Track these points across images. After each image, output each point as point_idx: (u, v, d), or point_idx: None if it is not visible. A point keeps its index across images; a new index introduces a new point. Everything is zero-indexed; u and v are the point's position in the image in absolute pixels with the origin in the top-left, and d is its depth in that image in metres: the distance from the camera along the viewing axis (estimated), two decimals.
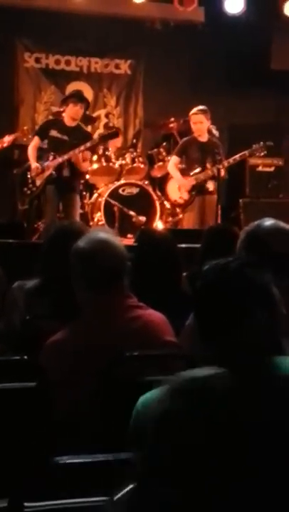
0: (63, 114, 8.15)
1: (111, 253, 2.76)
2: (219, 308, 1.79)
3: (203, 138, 8.20)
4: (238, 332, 1.77)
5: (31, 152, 7.99)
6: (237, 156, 8.18)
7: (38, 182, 7.94)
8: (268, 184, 9.49)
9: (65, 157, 7.77)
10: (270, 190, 9.53)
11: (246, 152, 8.24)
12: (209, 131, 8.29)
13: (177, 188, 8.33)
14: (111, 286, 2.74)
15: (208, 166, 8.06)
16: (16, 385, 2.47)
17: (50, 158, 7.89)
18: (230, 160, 8.15)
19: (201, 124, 8.15)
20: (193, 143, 8.25)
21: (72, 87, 10.14)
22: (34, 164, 7.92)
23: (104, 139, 8.38)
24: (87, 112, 9.72)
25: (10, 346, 3.20)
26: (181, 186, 8.24)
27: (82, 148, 7.80)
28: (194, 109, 8.21)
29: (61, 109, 8.34)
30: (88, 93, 10.24)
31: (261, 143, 8.24)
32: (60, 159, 7.79)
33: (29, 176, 8.07)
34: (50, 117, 8.66)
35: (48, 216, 7.93)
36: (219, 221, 7.94)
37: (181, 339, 2.91)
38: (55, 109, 9.78)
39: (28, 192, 8.10)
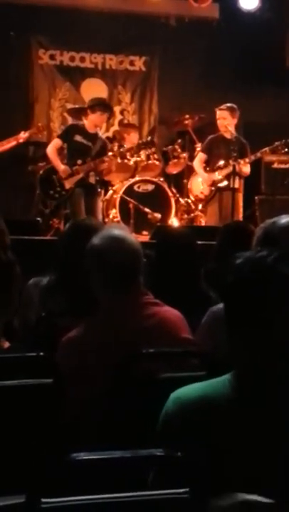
0: (85, 120, 8.17)
1: (126, 250, 2.75)
2: (251, 304, 1.75)
3: (229, 135, 8.20)
4: (267, 329, 1.74)
5: (54, 154, 8.04)
6: (258, 153, 8.22)
7: (68, 185, 7.97)
8: (284, 181, 9.45)
9: (100, 165, 7.99)
10: (286, 188, 9.49)
11: (267, 149, 8.26)
12: None
13: (200, 183, 8.41)
14: (126, 283, 2.75)
15: (230, 162, 8.05)
16: (32, 382, 2.48)
17: (79, 162, 7.95)
18: (252, 156, 8.16)
19: (223, 120, 8.18)
20: (219, 140, 8.30)
21: (87, 84, 10.17)
22: (62, 167, 7.95)
23: (140, 148, 8.63)
24: None
25: (26, 343, 3.22)
26: (203, 181, 8.33)
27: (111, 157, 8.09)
28: (223, 106, 8.27)
29: (85, 116, 8.26)
30: (103, 90, 10.27)
31: (283, 140, 8.24)
32: (92, 165, 7.94)
33: (55, 178, 8.05)
34: (72, 122, 8.65)
35: (74, 218, 7.94)
36: (240, 218, 7.97)
37: (197, 336, 2.91)
38: (69, 105, 9.80)
39: (56, 195, 8.09)
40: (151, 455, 1.71)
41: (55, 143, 8.13)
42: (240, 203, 8.16)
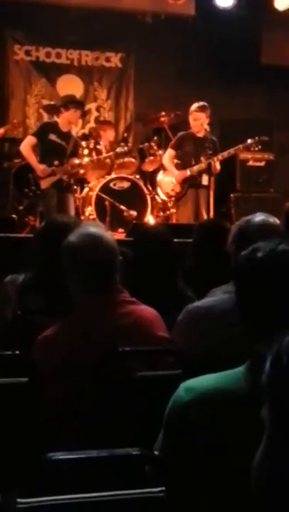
0: (57, 119, 8.14)
1: (102, 248, 2.75)
2: (270, 298, 1.72)
3: (200, 133, 8.22)
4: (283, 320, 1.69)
5: (29, 152, 7.95)
6: (231, 150, 8.18)
7: (44, 185, 7.92)
8: (259, 179, 9.50)
9: (77, 169, 8.08)
10: (261, 185, 9.53)
11: (240, 146, 8.25)
12: None
13: (170, 181, 8.36)
14: (103, 281, 2.74)
15: (202, 159, 8.08)
16: (8, 381, 2.47)
17: (56, 163, 7.93)
18: (225, 154, 8.15)
19: (198, 121, 8.18)
20: (190, 138, 8.27)
21: (62, 80, 10.13)
22: (41, 166, 7.89)
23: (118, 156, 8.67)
24: None
25: (1, 341, 3.20)
26: (174, 178, 8.28)
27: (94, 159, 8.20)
28: (195, 106, 8.20)
29: (57, 113, 8.23)
30: (79, 86, 10.24)
31: (256, 137, 8.26)
32: (69, 168, 7.98)
33: (31, 177, 7.97)
34: (46, 120, 8.57)
35: (47, 217, 7.91)
36: (212, 216, 7.96)
37: (173, 334, 2.92)
38: (45, 102, 9.76)
39: (31, 194, 8.02)
40: (128, 454, 1.71)
41: (30, 140, 8.05)
42: (212, 200, 8.15)
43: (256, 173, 9.52)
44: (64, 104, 8.13)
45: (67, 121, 8.08)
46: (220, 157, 8.08)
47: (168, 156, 8.42)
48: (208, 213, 7.96)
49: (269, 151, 9.58)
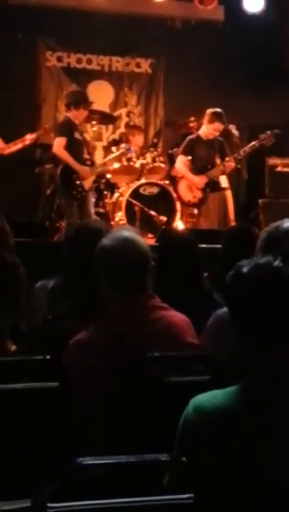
0: (70, 115, 8.11)
1: (136, 252, 2.75)
2: (262, 313, 1.79)
3: (210, 136, 8.15)
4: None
5: (66, 153, 7.90)
6: (247, 148, 8.10)
7: (87, 185, 7.97)
8: (288, 185, 9.44)
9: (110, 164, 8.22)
10: None
11: (255, 143, 8.15)
12: (229, 131, 8.26)
13: (188, 188, 8.27)
14: (135, 286, 2.74)
15: (217, 162, 8.04)
16: (39, 385, 2.49)
17: (88, 162, 8.03)
18: (241, 152, 8.08)
19: (216, 132, 8.10)
20: (200, 141, 8.18)
21: (93, 86, 10.18)
22: (84, 168, 7.94)
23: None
24: (108, 111, 9.80)
25: (32, 346, 3.23)
26: (193, 185, 8.19)
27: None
28: (213, 114, 8.06)
29: (68, 111, 8.21)
30: (109, 92, 10.29)
31: (268, 132, 8.17)
32: (100, 166, 8.15)
33: (74, 178, 7.94)
34: (65, 119, 8.57)
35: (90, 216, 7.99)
36: (233, 217, 7.98)
37: (201, 339, 2.92)
38: None
39: (79, 196, 7.95)
40: (157, 460, 1.72)
41: (62, 141, 7.93)
42: (232, 201, 8.13)
43: (285, 178, 9.45)
44: (75, 104, 8.10)
45: (80, 118, 8.15)
46: (238, 157, 8.02)
47: (181, 162, 8.28)
48: (231, 214, 8.01)
49: None
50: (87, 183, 7.97)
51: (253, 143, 8.17)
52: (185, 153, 8.27)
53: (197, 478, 1.69)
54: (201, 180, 8.12)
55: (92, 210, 8.14)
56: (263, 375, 1.80)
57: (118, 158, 8.69)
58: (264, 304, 1.79)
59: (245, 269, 1.84)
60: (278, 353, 1.79)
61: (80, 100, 8.19)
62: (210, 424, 1.78)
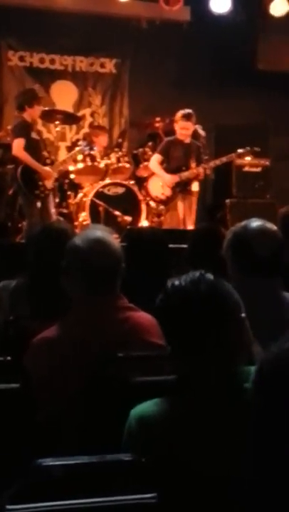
0: (25, 116, 8.07)
1: (109, 254, 2.74)
2: (182, 331, 1.90)
3: (187, 140, 8.26)
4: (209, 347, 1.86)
5: (26, 154, 7.89)
6: (224, 158, 8.28)
7: (49, 185, 7.99)
8: (255, 185, 9.50)
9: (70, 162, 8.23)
10: (257, 191, 9.54)
11: (233, 155, 8.34)
12: (195, 131, 8.30)
13: (160, 185, 8.35)
14: (105, 287, 2.73)
15: (192, 165, 8.10)
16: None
17: (48, 161, 8.08)
18: (217, 161, 8.26)
19: (187, 130, 8.20)
20: (177, 144, 8.28)
21: (56, 86, 10.15)
22: (45, 168, 7.97)
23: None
24: (72, 111, 9.75)
25: None
26: (165, 182, 8.27)
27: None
28: (180, 114, 8.17)
29: (22, 111, 8.14)
30: (73, 92, 10.25)
31: (248, 148, 8.32)
32: (60, 165, 8.20)
33: (36, 178, 7.94)
34: (20, 120, 8.49)
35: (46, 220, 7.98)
36: (195, 222, 8.06)
37: None
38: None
39: (42, 195, 7.97)
40: (119, 460, 1.70)
41: (21, 143, 7.92)
42: (195, 207, 8.26)
43: (252, 178, 9.52)
44: (28, 103, 8.08)
45: (36, 116, 8.16)
46: (212, 164, 8.16)
47: (155, 160, 8.41)
48: (193, 219, 8.12)
49: (265, 157, 9.59)
50: (49, 183, 8.00)
51: (231, 155, 8.31)
52: (161, 152, 8.38)
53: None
54: (172, 179, 8.19)
55: (53, 210, 8.16)
56: (195, 383, 1.89)
57: (82, 159, 8.65)
58: (194, 319, 1.89)
59: (170, 289, 1.98)
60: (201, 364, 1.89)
61: (31, 98, 8.17)
62: (154, 431, 1.80)
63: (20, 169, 7.93)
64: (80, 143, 8.85)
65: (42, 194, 7.96)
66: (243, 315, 2.02)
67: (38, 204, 7.95)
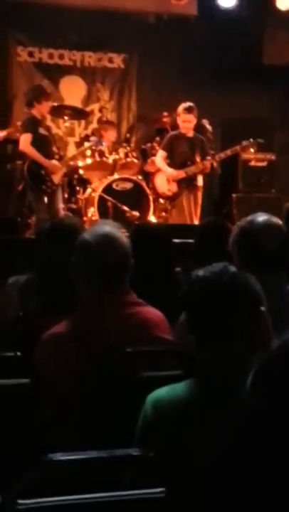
0: (33, 112, 8.11)
1: (117, 250, 2.75)
2: (215, 319, 1.89)
3: (190, 134, 8.24)
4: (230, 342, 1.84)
5: (33, 149, 7.94)
6: (228, 151, 8.25)
7: (56, 180, 8.01)
8: (261, 179, 9.50)
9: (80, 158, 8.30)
10: (263, 186, 9.54)
11: (237, 147, 8.31)
12: (202, 126, 8.29)
13: (166, 181, 8.34)
14: (114, 282, 2.74)
15: (197, 160, 8.09)
16: (9, 382, 2.47)
17: (56, 157, 8.08)
18: (222, 155, 8.24)
19: (189, 123, 8.19)
20: (181, 138, 8.26)
21: (65, 81, 10.14)
22: (52, 162, 7.98)
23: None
24: (81, 107, 9.76)
25: (3, 343, 3.20)
26: (170, 178, 8.25)
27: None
28: (182, 107, 8.19)
29: (31, 107, 8.18)
30: (82, 87, 10.25)
31: (251, 139, 8.31)
32: (70, 160, 8.26)
33: (43, 173, 7.96)
34: (29, 115, 8.51)
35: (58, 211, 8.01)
36: (200, 217, 8.03)
37: (175, 334, 2.92)
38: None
39: (49, 190, 8.00)
40: (128, 455, 1.71)
41: (28, 138, 7.97)
42: (201, 201, 8.25)
43: (258, 173, 9.52)
44: (36, 99, 8.11)
45: (43, 112, 8.16)
46: (217, 158, 8.14)
47: (160, 156, 8.41)
48: (198, 213, 8.11)
49: (271, 152, 9.58)
50: (57, 178, 8.01)
51: (235, 147, 8.27)
52: (165, 148, 8.36)
53: (166, 472, 1.69)
54: (177, 175, 8.16)
55: (61, 205, 8.17)
56: (213, 370, 1.88)
57: (91, 154, 8.67)
58: (214, 308, 1.90)
59: (199, 275, 1.96)
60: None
61: (39, 94, 8.21)
62: (171, 416, 1.80)
63: (27, 164, 7.97)
64: (91, 138, 8.86)
65: (49, 189, 7.97)
66: (264, 308, 2.02)
67: (45, 199, 7.97)
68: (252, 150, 8.46)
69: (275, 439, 1.30)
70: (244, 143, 8.30)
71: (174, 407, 1.83)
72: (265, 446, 1.31)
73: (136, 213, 8.33)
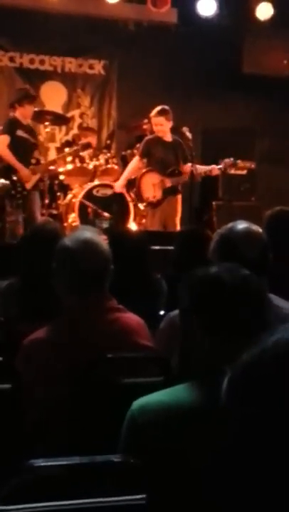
0: (15, 114, 8.09)
1: (97, 255, 2.75)
2: (230, 313, 1.87)
3: (168, 137, 8.08)
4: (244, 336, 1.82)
5: (8, 152, 7.88)
6: (207, 170, 8.00)
7: (29, 185, 7.93)
8: (241, 187, 9.54)
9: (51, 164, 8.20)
10: (243, 194, 9.58)
11: (217, 167, 8.08)
12: (182, 134, 8.24)
13: (152, 186, 8.18)
14: (94, 288, 2.74)
15: (182, 167, 8.01)
16: None
17: (33, 161, 8.00)
18: (203, 172, 7.98)
19: (161, 126, 7.99)
20: (157, 142, 8.09)
21: (46, 87, 10.14)
22: (24, 169, 7.89)
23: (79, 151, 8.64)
24: (61, 112, 9.76)
25: None
26: (160, 184, 8.08)
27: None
28: (154, 110, 8.03)
29: (13, 109, 8.16)
30: (62, 93, 10.25)
31: (231, 158, 8.16)
32: (46, 165, 8.12)
33: (15, 178, 7.89)
34: (10, 117, 8.48)
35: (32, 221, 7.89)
36: (178, 221, 8.01)
37: (155, 341, 2.93)
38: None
39: (18, 195, 7.90)
40: (109, 461, 1.72)
41: (4, 140, 7.90)
42: (180, 205, 8.13)
43: (238, 181, 9.56)
44: (18, 101, 8.10)
45: (24, 116, 8.09)
46: (201, 172, 7.94)
47: (134, 163, 8.25)
48: (178, 219, 8.02)
49: (251, 160, 9.63)
50: (29, 183, 7.92)
51: (214, 167, 8.05)
52: (142, 154, 8.18)
53: (149, 478, 1.69)
54: (164, 183, 8.02)
55: (38, 210, 8.09)
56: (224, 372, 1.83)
57: (71, 160, 8.68)
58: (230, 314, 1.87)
59: (212, 271, 1.93)
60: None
61: (23, 97, 8.17)
62: (158, 423, 1.79)
63: None
64: (80, 142, 8.84)
65: (18, 194, 7.87)
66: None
67: (15, 204, 7.88)
68: (232, 171, 8.40)
69: (250, 444, 1.31)
70: (225, 161, 8.13)
71: (165, 410, 1.82)
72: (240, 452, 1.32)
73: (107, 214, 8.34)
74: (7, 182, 7.80)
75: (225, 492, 1.21)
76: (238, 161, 8.29)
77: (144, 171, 8.24)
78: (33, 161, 8.06)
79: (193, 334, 1.90)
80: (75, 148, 8.66)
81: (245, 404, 1.28)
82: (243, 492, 1.17)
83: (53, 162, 8.51)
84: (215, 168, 8.06)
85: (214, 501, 1.32)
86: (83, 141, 8.82)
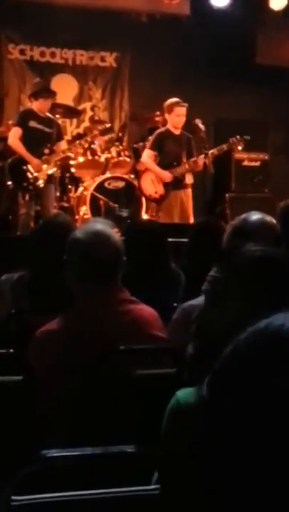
0: (31, 106, 8.13)
1: (108, 247, 2.74)
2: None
3: (178, 131, 8.12)
4: None
5: (19, 144, 7.89)
6: (215, 150, 8.02)
7: (42, 177, 7.91)
8: (254, 179, 9.51)
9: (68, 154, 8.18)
10: (256, 185, 9.56)
11: (224, 146, 8.11)
12: (195, 125, 8.23)
13: (151, 183, 8.20)
14: (106, 279, 2.74)
15: (183, 159, 8.01)
16: (2, 379, 2.47)
17: (46, 151, 7.95)
18: (209, 154, 7.94)
19: (184, 117, 8.04)
20: (168, 136, 8.13)
21: (57, 80, 10.13)
22: (35, 160, 7.86)
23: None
24: (72, 105, 9.76)
25: None
26: (159, 179, 8.11)
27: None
28: (174, 101, 8.03)
29: (34, 102, 8.17)
30: (73, 85, 10.24)
31: (238, 136, 8.15)
32: (60, 153, 8.03)
33: (25, 169, 7.88)
34: (24, 108, 8.44)
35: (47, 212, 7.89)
36: (191, 213, 7.98)
37: (167, 333, 2.91)
38: None
39: (31, 187, 7.90)
40: (122, 451, 1.71)
41: (16, 132, 7.93)
42: (191, 198, 8.12)
43: (251, 173, 9.54)
44: (34, 94, 8.12)
45: (39, 109, 8.08)
46: (210, 156, 7.96)
47: (147, 156, 8.21)
48: (196, 214, 7.99)
49: (264, 151, 9.60)
50: (41, 174, 7.91)
51: (222, 146, 8.08)
52: (153, 147, 8.19)
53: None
54: (165, 177, 8.05)
55: (52, 203, 8.08)
56: None
57: (83, 152, 8.66)
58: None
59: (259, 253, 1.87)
60: None
61: (38, 91, 8.19)
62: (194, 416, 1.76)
63: (10, 160, 7.93)
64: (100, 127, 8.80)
65: (31, 186, 7.87)
66: None
67: (27, 196, 7.88)
68: (240, 148, 8.33)
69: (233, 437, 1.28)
70: (231, 140, 8.14)
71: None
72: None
73: (127, 212, 8.31)
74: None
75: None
76: (245, 137, 8.22)
77: (143, 169, 8.31)
78: (47, 151, 8.00)
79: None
80: (95, 132, 8.58)
81: (223, 395, 1.25)
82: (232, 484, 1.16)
83: (67, 150, 8.40)
84: (220, 147, 8.03)
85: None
86: (105, 125, 8.77)
